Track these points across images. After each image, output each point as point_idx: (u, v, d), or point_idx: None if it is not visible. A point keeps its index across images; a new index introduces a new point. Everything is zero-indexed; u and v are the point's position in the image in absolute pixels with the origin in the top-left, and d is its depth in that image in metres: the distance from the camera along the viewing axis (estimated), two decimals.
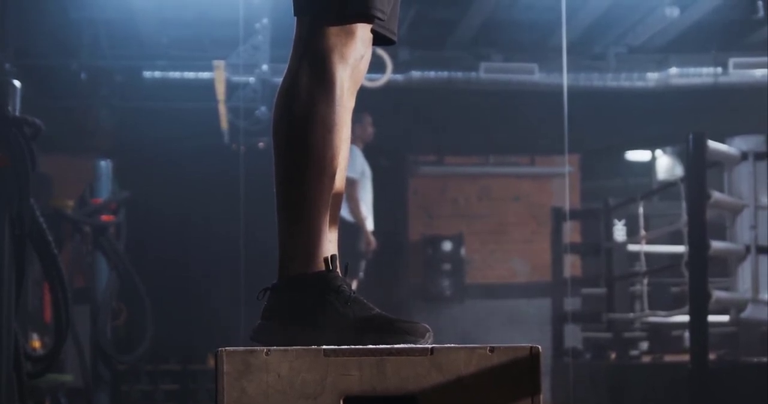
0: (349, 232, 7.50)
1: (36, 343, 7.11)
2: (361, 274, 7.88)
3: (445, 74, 9.14)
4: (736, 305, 6.00)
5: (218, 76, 8.36)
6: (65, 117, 9.23)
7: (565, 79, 7.19)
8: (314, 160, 2.04)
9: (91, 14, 8.33)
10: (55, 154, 9.28)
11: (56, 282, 4.82)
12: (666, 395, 5.91)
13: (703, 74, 9.17)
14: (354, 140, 6.08)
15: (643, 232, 6.66)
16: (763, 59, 8.94)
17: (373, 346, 1.80)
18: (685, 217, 5.66)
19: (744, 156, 5.98)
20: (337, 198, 2.16)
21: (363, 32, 2.10)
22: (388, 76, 8.70)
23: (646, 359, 7.02)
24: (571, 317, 7.77)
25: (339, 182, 2.15)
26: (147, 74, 8.87)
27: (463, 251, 11.15)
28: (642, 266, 6.65)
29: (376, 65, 8.22)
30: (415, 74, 9.11)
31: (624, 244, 7.33)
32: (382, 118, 8.56)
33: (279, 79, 2.15)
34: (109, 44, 8.68)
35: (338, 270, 2.04)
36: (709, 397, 5.26)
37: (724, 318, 6.19)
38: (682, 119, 9.60)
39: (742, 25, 8.92)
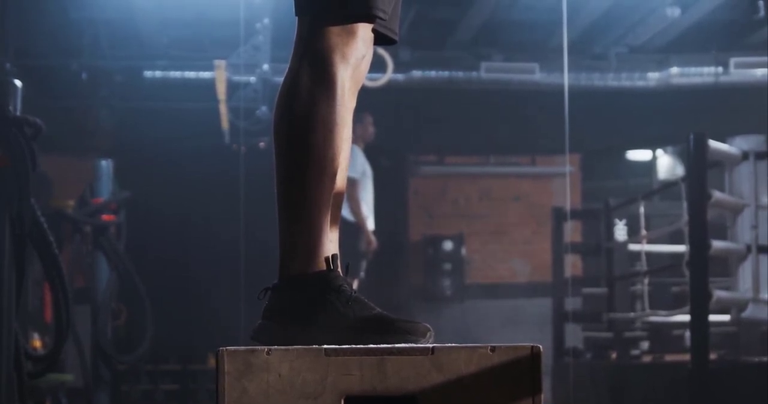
0: (350, 232, 7.49)
1: (36, 343, 7.11)
2: (362, 274, 7.88)
3: (445, 74, 9.13)
4: (737, 305, 5.99)
5: (219, 75, 8.35)
6: (65, 117, 9.22)
7: (566, 79, 7.20)
8: (315, 160, 2.03)
9: (91, 14, 8.33)
10: (55, 154, 9.27)
11: (56, 282, 4.82)
12: (666, 395, 5.91)
13: (703, 74, 9.17)
14: (355, 140, 6.03)
15: (643, 232, 6.66)
16: (764, 59, 8.94)
17: (374, 346, 1.79)
18: (685, 217, 5.65)
19: (745, 156, 5.98)
20: (338, 197, 2.16)
21: (364, 32, 2.10)
22: (389, 75, 8.69)
23: (647, 359, 7.02)
24: (572, 317, 7.76)
25: (340, 182, 2.14)
26: (147, 74, 8.86)
27: (463, 251, 11.15)
28: (643, 266, 6.65)
29: (376, 65, 8.21)
30: (416, 74, 9.10)
31: (625, 244, 7.33)
32: (383, 118, 8.55)
33: (280, 79, 2.14)
34: (109, 44, 8.67)
35: (339, 269, 2.04)
36: (710, 397, 5.25)
37: (725, 317, 6.19)
38: (682, 119, 9.60)
39: (742, 25, 8.92)
